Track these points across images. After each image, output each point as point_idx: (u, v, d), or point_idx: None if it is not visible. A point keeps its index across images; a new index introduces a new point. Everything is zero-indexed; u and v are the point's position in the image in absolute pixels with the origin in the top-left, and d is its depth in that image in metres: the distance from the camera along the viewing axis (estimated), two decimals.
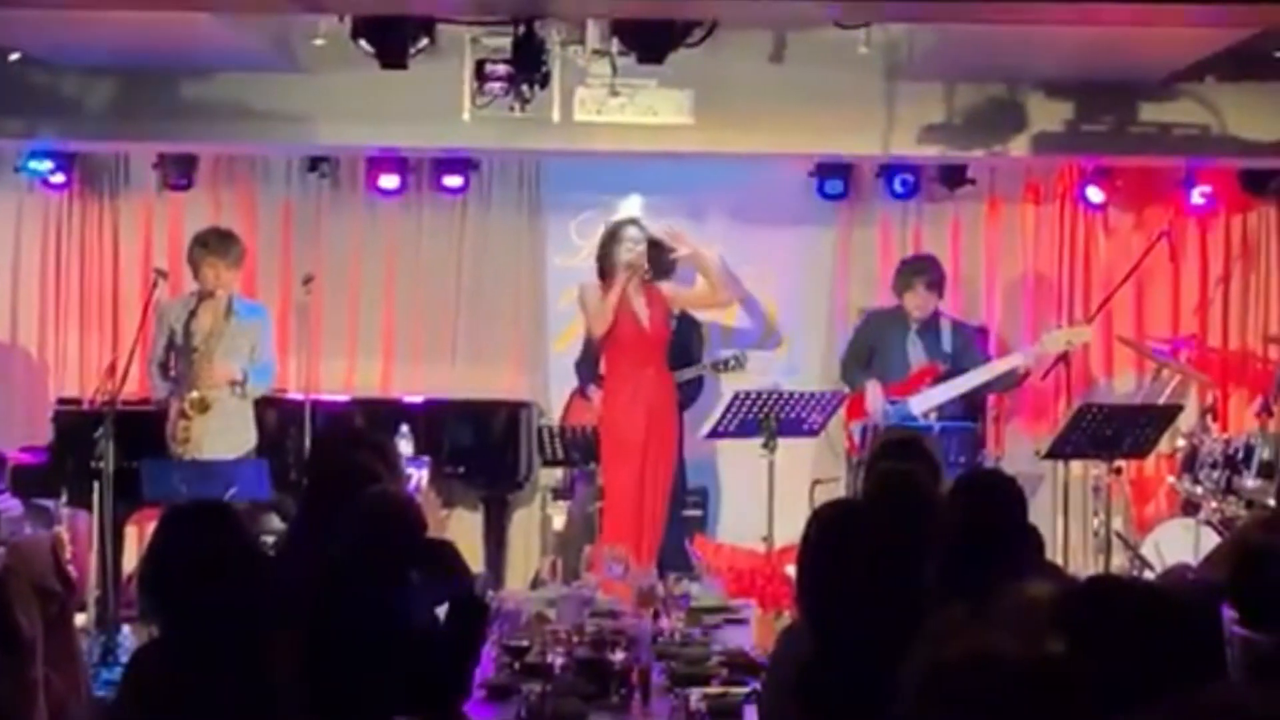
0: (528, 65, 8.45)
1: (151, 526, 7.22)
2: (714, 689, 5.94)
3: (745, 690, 5.91)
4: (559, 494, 10.99)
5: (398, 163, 11.21)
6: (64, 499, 9.70)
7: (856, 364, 10.43)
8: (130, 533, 10.12)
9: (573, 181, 11.44)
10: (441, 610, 5.62)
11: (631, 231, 9.88)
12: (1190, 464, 9.92)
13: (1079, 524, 10.43)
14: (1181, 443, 10.13)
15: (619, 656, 6.07)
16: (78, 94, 10.22)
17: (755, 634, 7.01)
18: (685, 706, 5.58)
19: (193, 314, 9.70)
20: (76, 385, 11.14)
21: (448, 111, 8.94)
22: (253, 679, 4.48)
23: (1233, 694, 4.02)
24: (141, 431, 9.58)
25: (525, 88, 8.56)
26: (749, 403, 9.56)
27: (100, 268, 11.54)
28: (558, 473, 10.95)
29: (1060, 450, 9.67)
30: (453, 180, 11.29)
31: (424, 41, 8.46)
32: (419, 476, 9.37)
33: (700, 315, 10.74)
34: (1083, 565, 9.90)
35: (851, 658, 4.23)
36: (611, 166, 11.16)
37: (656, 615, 7.01)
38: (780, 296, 11.53)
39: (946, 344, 10.32)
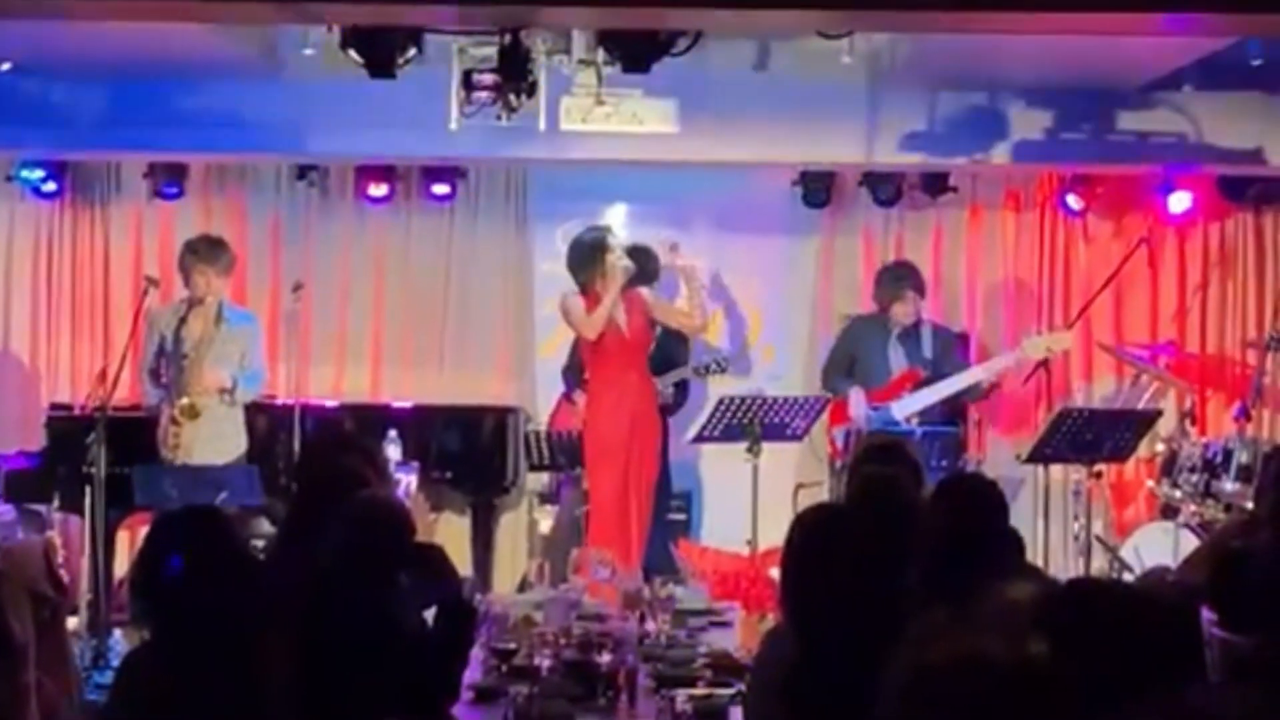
0: (514, 75, 8.45)
1: (143, 531, 7.28)
2: (699, 690, 5.95)
3: (730, 692, 5.92)
4: (546, 498, 11.04)
5: (386, 171, 11.27)
6: (56, 504, 9.75)
7: (837, 371, 10.48)
8: (122, 537, 10.12)
9: (559, 190, 11.49)
10: (430, 613, 5.63)
11: (616, 241, 9.86)
12: (1169, 468, 9.97)
13: (1059, 527, 10.45)
14: (1161, 447, 10.17)
15: (605, 659, 6.11)
16: (69, 104, 10.24)
17: (740, 636, 7.05)
18: (671, 708, 5.61)
19: (183, 321, 9.74)
20: (68, 391, 11.20)
21: (435, 120, 8.93)
22: (243, 683, 4.50)
23: (1211, 695, 4.12)
24: (133, 437, 9.59)
25: (512, 97, 8.54)
26: (733, 408, 9.59)
27: (91, 275, 11.58)
28: (544, 477, 11.00)
29: (1041, 454, 9.71)
30: (440, 188, 11.36)
31: (412, 51, 8.43)
32: (407, 481, 9.39)
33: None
34: (1063, 568, 9.91)
35: (835, 660, 4.25)
36: (597, 175, 11.22)
37: (642, 618, 7.03)
38: (764, 303, 11.61)
39: (927, 349, 10.37)
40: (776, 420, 9.64)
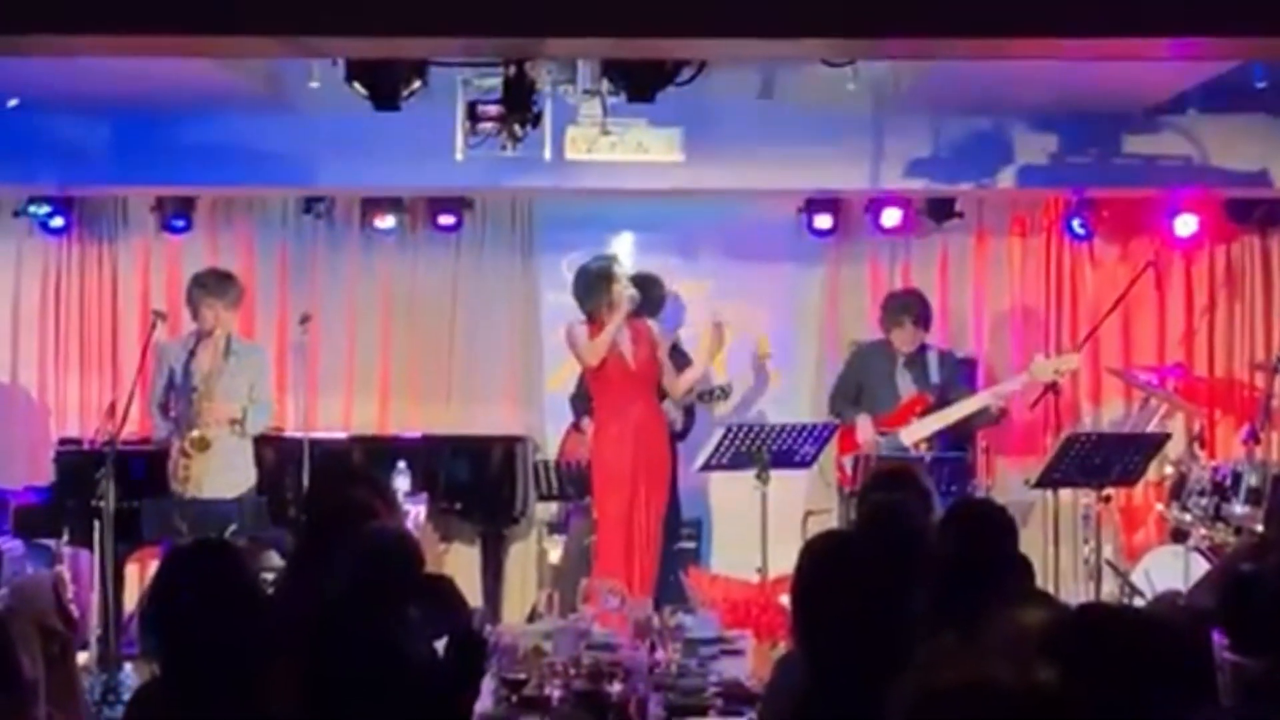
0: (519, 105, 8.47)
1: (152, 565, 7.30)
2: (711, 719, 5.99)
3: None
4: (555, 528, 11.05)
5: (392, 203, 11.30)
6: (65, 538, 9.75)
7: (845, 398, 10.49)
8: (131, 571, 10.15)
9: (565, 219, 11.51)
10: (440, 644, 5.62)
11: (622, 270, 9.90)
12: (1179, 491, 9.95)
13: (1069, 552, 10.44)
14: (1170, 470, 10.15)
15: (616, 688, 6.09)
16: (76, 139, 10.29)
17: (751, 664, 7.02)
18: None
19: (192, 354, 9.79)
20: (77, 426, 11.20)
21: (441, 151, 8.98)
22: (253, 716, 4.50)
23: (1224, 719, 4.12)
24: (141, 471, 9.67)
25: (517, 127, 8.56)
26: (741, 435, 9.60)
27: (100, 310, 11.61)
28: (553, 507, 11.02)
29: (1050, 479, 9.70)
30: (447, 219, 11.38)
31: (416, 83, 8.45)
32: (416, 512, 9.41)
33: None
34: (1074, 593, 9.92)
35: (845, 687, 4.22)
36: (603, 204, 11.24)
37: (653, 647, 7.00)
38: (771, 330, 11.61)
39: (934, 375, 10.38)
40: (785, 447, 9.64)
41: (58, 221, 11.38)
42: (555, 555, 10.90)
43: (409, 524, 8.41)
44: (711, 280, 11.47)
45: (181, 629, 4.57)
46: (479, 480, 10.68)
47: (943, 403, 10.26)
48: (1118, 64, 8.60)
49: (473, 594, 9.91)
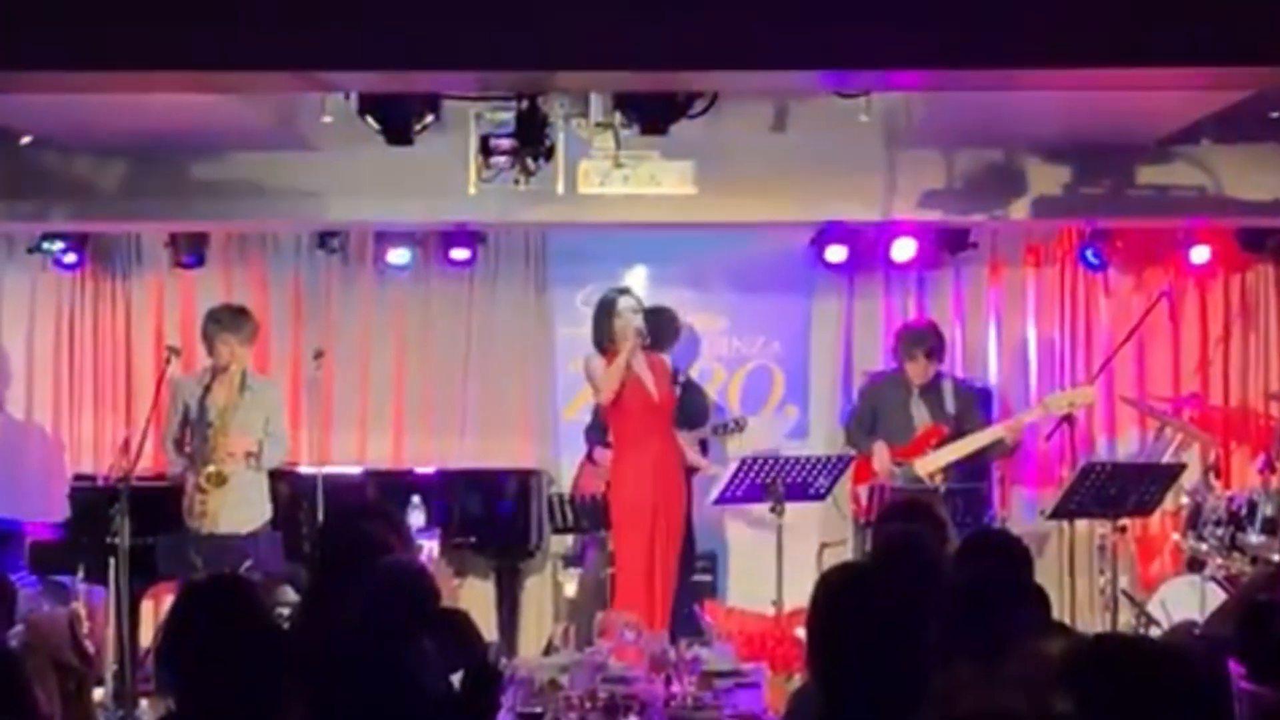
0: (531, 139, 8.48)
1: (168, 601, 7.29)
2: None
3: None
4: (570, 561, 11.07)
5: (406, 237, 11.32)
6: (81, 575, 9.73)
7: (861, 427, 10.50)
8: (146, 607, 10.13)
9: (578, 253, 11.53)
10: (456, 678, 5.63)
11: (628, 301, 9.88)
12: (1194, 521, 9.96)
13: (1085, 582, 10.43)
14: (1185, 500, 10.16)
15: None
16: (89, 175, 10.27)
17: (767, 696, 7.07)
18: None
19: (207, 389, 9.81)
20: (92, 462, 11.22)
21: (454, 186, 8.97)
22: None
23: None
24: (156, 507, 9.64)
25: (529, 161, 8.55)
26: (756, 468, 9.62)
27: (114, 346, 11.66)
28: (568, 540, 11.03)
29: (1065, 510, 9.72)
30: (460, 253, 11.39)
31: (429, 118, 8.45)
32: (430, 547, 9.43)
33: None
34: (1090, 623, 9.93)
35: (862, 718, 4.27)
36: (616, 237, 11.24)
37: (669, 680, 7.02)
38: (785, 362, 11.63)
39: (949, 405, 10.38)
40: (799, 479, 9.67)
41: (71, 258, 11.42)
42: (571, 588, 10.92)
43: (423, 558, 8.42)
44: (724, 313, 11.48)
45: (197, 665, 4.56)
46: (493, 514, 10.71)
47: (958, 433, 10.26)
48: (1130, 95, 8.59)
49: (488, 628, 9.93)
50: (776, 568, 9.30)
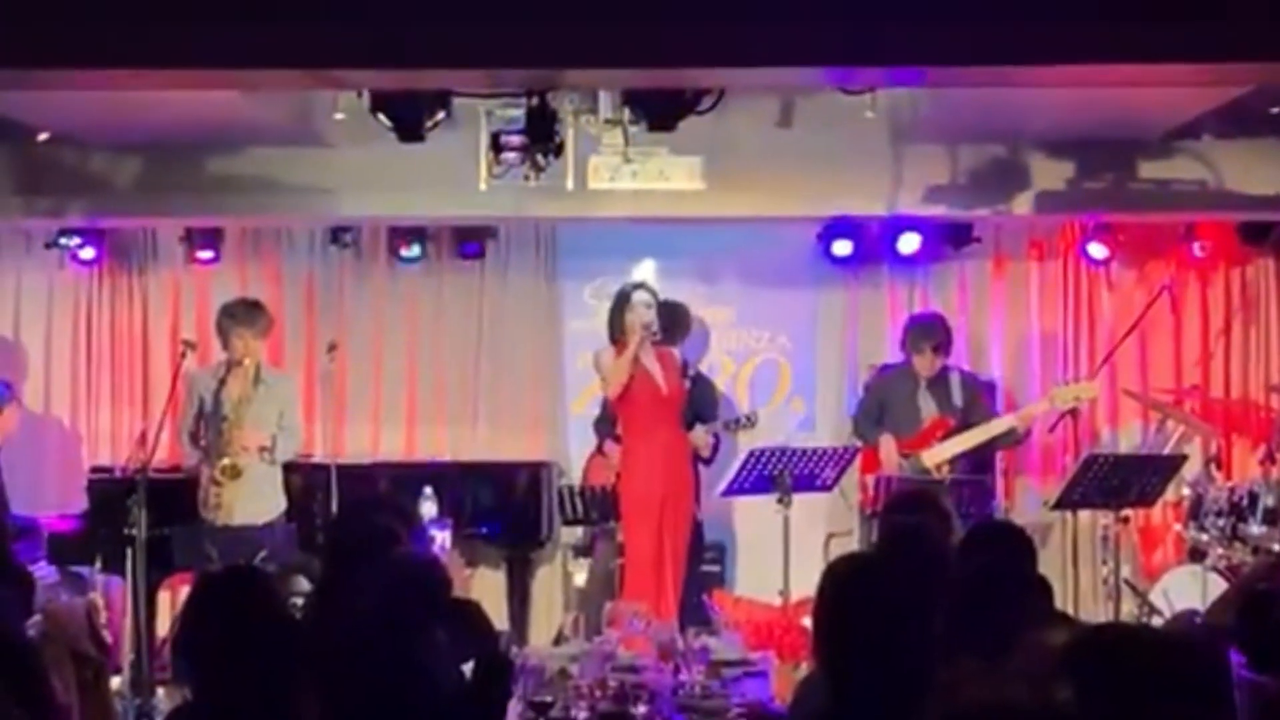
0: (541, 135, 8.51)
1: (184, 591, 7.37)
2: None
3: None
4: (580, 551, 11.12)
5: (418, 232, 11.40)
6: (98, 565, 9.75)
7: (868, 420, 10.56)
8: (163, 598, 10.21)
9: (587, 247, 11.60)
10: (467, 667, 5.68)
11: (642, 295, 9.96)
12: (1196, 512, 9.99)
13: (1089, 572, 10.50)
14: (1187, 491, 10.18)
15: (641, 710, 6.20)
16: (106, 172, 10.35)
17: (774, 685, 7.09)
18: None
19: (222, 383, 9.88)
20: (109, 454, 11.31)
21: (465, 182, 9.05)
22: None
23: None
24: (172, 499, 9.71)
25: (540, 157, 8.58)
26: (764, 459, 9.68)
27: (130, 340, 11.75)
28: (578, 531, 11.07)
29: (1068, 501, 9.74)
30: (471, 248, 11.51)
31: (440, 114, 8.48)
32: (442, 538, 9.49)
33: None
34: (1092, 613, 9.97)
35: (867, 708, 4.27)
36: (625, 232, 11.29)
37: (677, 669, 7.05)
38: (791, 356, 11.71)
39: (956, 398, 10.44)
40: (806, 471, 9.69)
41: (88, 253, 11.51)
42: (581, 579, 10.97)
43: (435, 549, 8.48)
44: (732, 306, 11.57)
45: (212, 655, 4.63)
46: (505, 505, 10.77)
47: (964, 425, 10.31)
48: (1132, 91, 8.64)
49: (499, 618, 10.00)
50: (784, 558, 9.34)
